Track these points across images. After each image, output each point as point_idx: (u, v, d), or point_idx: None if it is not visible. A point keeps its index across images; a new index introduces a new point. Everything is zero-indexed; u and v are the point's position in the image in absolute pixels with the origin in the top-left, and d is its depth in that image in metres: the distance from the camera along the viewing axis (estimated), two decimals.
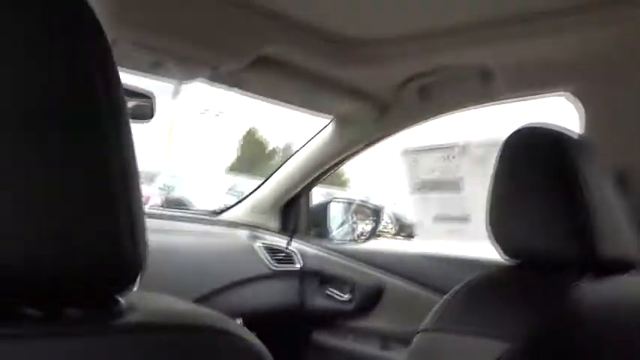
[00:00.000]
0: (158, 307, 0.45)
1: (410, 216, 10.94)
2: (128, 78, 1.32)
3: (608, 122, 1.37)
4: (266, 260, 1.85)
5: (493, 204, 0.92)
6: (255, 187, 2.11)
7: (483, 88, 1.50)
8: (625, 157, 1.30)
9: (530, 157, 0.91)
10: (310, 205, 2.12)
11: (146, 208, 0.43)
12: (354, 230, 2.12)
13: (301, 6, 1.23)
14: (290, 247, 1.94)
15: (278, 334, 1.42)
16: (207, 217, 2.04)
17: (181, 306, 0.48)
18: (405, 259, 1.83)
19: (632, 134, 1.33)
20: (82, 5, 0.42)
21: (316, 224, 2.10)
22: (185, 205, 8.55)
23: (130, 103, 1.24)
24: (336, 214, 2.14)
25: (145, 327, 0.42)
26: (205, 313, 0.47)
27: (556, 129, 0.94)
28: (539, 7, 1.18)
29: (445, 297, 0.87)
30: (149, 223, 0.43)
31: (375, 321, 1.78)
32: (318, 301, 1.87)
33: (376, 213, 2.19)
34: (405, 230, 11.07)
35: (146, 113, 1.33)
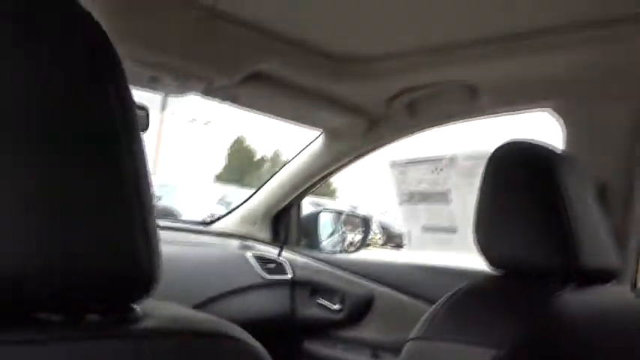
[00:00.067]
0: (169, 314, 0.49)
1: (397, 225, 10.94)
2: None
3: (587, 138, 1.41)
4: (258, 270, 1.86)
5: (480, 216, 0.96)
6: (245, 198, 2.13)
7: (469, 103, 1.54)
8: (604, 171, 1.35)
9: (514, 171, 0.95)
10: (300, 216, 2.14)
11: None
12: (343, 240, 2.15)
13: (295, 24, 1.27)
14: (281, 258, 1.95)
15: (269, 344, 1.44)
16: (198, 228, 2.05)
17: (188, 313, 0.51)
18: (395, 269, 1.85)
19: (610, 150, 1.38)
20: (93, 23, 0.46)
21: (307, 234, 2.12)
22: (174, 214, 8.52)
23: None
24: (326, 225, 2.16)
25: (160, 332, 0.45)
26: (210, 319, 0.51)
27: (539, 144, 0.97)
28: (522, 27, 1.22)
29: (434, 306, 0.89)
30: None
31: (365, 330, 1.80)
32: (308, 310, 1.88)
33: (365, 223, 2.22)
34: (392, 240, 11.09)
35: (142, 124, 1.35)
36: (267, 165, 29.64)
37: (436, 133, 1.80)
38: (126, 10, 1.05)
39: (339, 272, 1.88)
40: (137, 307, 0.46)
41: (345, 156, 1.92)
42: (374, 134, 1.81)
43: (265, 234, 2.06)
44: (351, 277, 1.86)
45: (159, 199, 10.33)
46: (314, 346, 1.88)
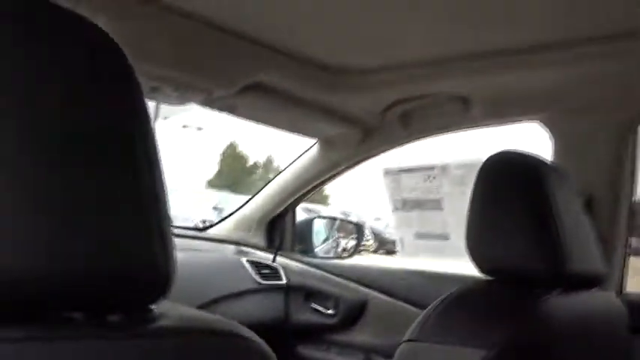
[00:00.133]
0: (184, 315, 0.52)
1: (389, 232, 10.92)
2: None
3: (574, 149, 1.45)
4: (253, 275, 1.87)
5: (471, 223, 0.99)
6: (240, 205, 2.14)
7: (461, 114, 1.57)
8: (591, 181, 1.39)
9: (505, 181, 0.98)
10: (295, 222, 2.16)
11: None
12: (337, 246, 2.17)
13: (293, 37, 1.29)
14: (275, 263, 1.97)
15: None
16: (193, 233, 2.07)
17: (200, 314, 0.55)
18: (388, 274, 1.87)
19: (597, 161, 1.42)
20: (118, 51, 0.48)
21: (301, 240, 2.13)
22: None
23: None
24: (319, 231, 2.18)
25: (177, 331, 0.48)
26: (221, 320, 0.54)
27: (529, 155, 1.01)
28: (513, 43, 1.25)
29: (426, 310, 0.92)
30: None
31: (359, 334, 1.81)
32: (303, 315, 1.89)
33: (359, 229, 2.25)
34: (384, 246, 11.08)
35: None
36: (259, 171, 29.59)
37: (430, 142, 1.83)
38: (126, 22, 1.07)
39: (333, 277, 1.90)
40: (154, 308, 0.49)
41: (339, 164, 1.94)
42: (368, 144, 1.83)
43: (260, 240, 2.07)
44: (344, 282, 1.87)
45: None
46: (308, 351, 1.89)
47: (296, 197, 2.04)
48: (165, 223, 0.48)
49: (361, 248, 2.31)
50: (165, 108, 1.51)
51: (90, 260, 0.43)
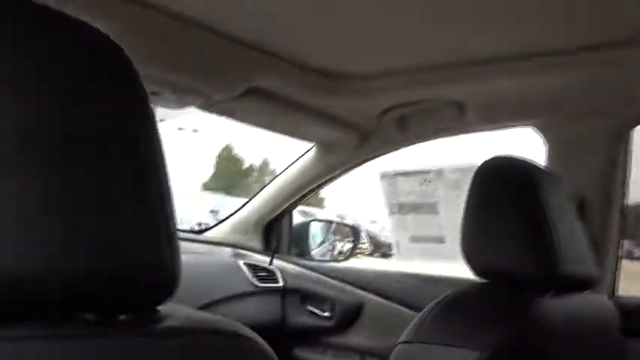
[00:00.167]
0: (189, 315, 0.54)
1: (384, 235, 10.92)
2: None
3: (567, 154, 1.48)
4: (250, 278, 1.87)
5: (466, 227, 1.01)
6: (237, 208, 2.15)
7: (457, 119, 1.59)
8: (583, 185, 1.41)
9: (499, 185, 1.00)
10: (292, 225, 2.17)
11: None
12: (333, 249, 2.19)
13: (292, 43, 1.30)
14: (272, 266, 1.98)
15: None
16: (190, 236, 2.08)
17: (204, 315, 0.56)
18: (384, 277, 1.88)
19: (589, 166, 1.44)
20: (119, 52, 0.49)
21: (297, 243, 2.14)
22: None
23: None
24: (316, 234, 2.19)
25: (183, 331, 0.50)
26: (224, 320, 0.55)
27: (523, 160, 1.03)
28: (508, 50, 1.27)
29: (422, 312, 0.94)
30: None
31: (355, 337, 1.82)
32: (299, 317, 1.90)
33: (355, 232, 2.27)
34: (380, 249, 11.09)
35: None
36: (255, 174, 29.56)
37: (426, 146, 1.85)
38: (125, 27, 1.08)
39: (329, 280, 1.91)
40: (161, 309, 0.50)
41: (336, 168, 1.95)
42: (365, 148, 1.85)
43: (257, 243, 2.08)
44: (340, 284, 1.88)
45: None
46: (304, 353, 1.90)
47: (293, 200, 2.04)
48: (171, 224, 0.49)
49: (357, 251, 2.32)
50: (161, 110, 1.51)
51: (96, 261, 0.44)
